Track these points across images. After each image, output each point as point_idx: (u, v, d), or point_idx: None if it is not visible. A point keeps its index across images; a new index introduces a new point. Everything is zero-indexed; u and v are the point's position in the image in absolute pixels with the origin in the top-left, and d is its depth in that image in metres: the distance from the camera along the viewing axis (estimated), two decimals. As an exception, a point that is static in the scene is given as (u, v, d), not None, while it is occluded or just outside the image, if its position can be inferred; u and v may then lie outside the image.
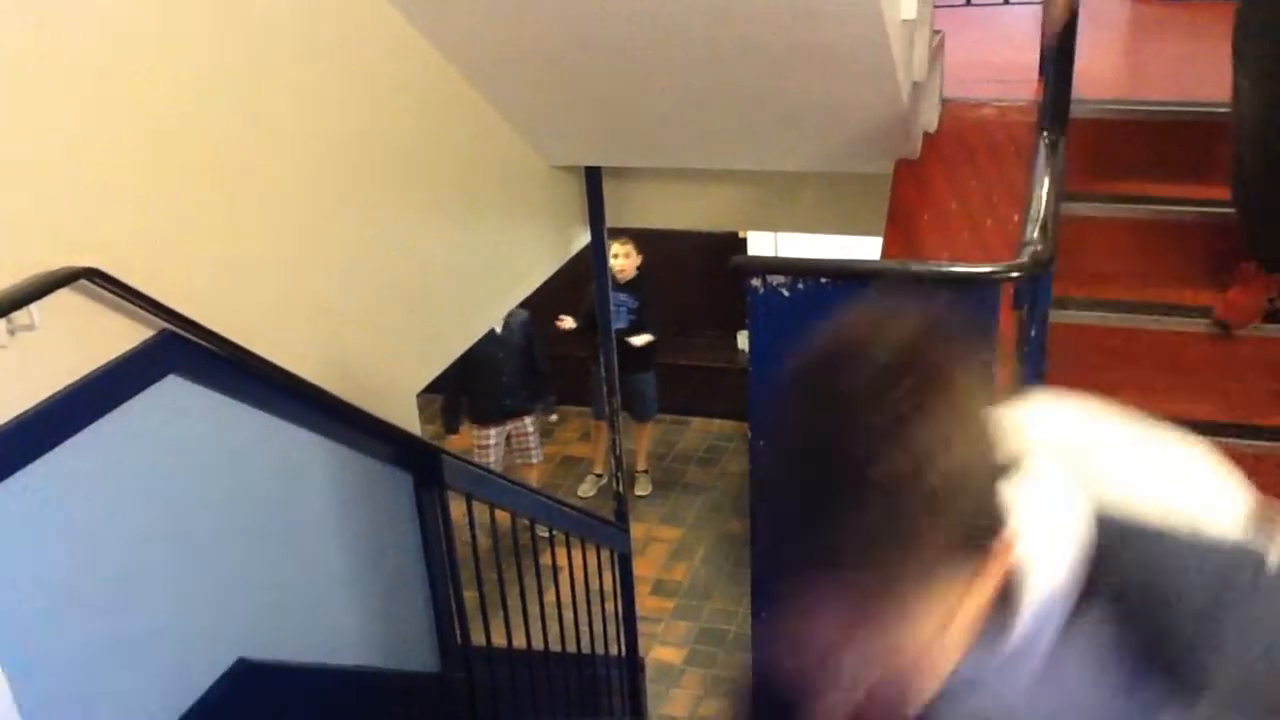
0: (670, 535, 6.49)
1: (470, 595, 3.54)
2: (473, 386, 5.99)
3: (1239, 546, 0.96)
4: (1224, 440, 2.74)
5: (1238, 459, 2.95)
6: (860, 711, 0.90)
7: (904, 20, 2.87)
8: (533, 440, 6.28)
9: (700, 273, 6.87)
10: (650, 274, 6.49)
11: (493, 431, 6.07)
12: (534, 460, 6.34)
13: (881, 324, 0.86)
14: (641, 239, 6.26)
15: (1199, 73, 3.76)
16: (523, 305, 5.09)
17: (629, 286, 6.35)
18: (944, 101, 3.48)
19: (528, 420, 6.22)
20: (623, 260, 6.22)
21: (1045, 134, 2.47)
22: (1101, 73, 3.73)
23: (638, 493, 6.81)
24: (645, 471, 6.96)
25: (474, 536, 3.49)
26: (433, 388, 4.07)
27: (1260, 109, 2.48)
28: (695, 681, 5.35)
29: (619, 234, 6.02)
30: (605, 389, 5.00)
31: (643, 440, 6.96)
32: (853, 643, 0.86)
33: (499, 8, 3.03)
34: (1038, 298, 2.01)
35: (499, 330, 5.79)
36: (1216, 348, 2.89)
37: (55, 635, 2.19)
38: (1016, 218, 3.07)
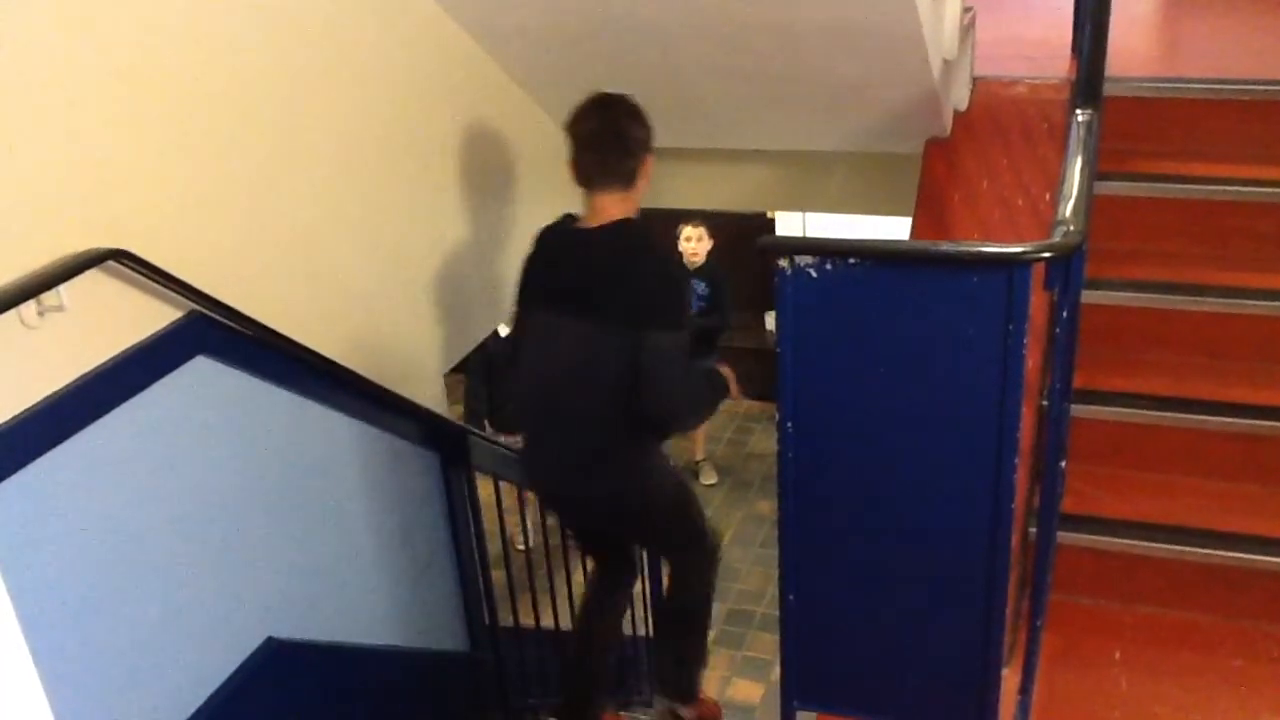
0: (698, 516, 6.48)
1: (498, 575, 3.55)
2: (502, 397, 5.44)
3: None
4: (1260, 423, 2.71)
5: (1274, 444, 2.89)
6: None
7: (934, -3, 2.84)
8: None
9: (728, 253, 6.84)
10: (719, 261, 6.08)
11: None
12: None
13: None
14: (678, 221, 5.96)
15: (1235, 50, 3.71)
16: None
17: (699, 273, 5.96)
18: (975, 79, 3.44)
19: None
20: (695, 244, 5.89)
21: (1078, 112, 2.43)
22: (1136, 49, 3.68)
23: (705, 482, 6.74)
24: (705, 460, 6.91)
25: (501, 516, 3.50)
26: (459, 369, 4.06)
27: None
28: (723, 662, 5.34)
29: (690, 216, 5.80)
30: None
31: (699, 430, 6.85)
32: None
33: (525, -13, 3.02)
34: (1070, 278, 1.98)
35: None
36: (1252, 328, 2.84)
37: (83, 615, 2.21)
38: (1048, 197, 3.04)
